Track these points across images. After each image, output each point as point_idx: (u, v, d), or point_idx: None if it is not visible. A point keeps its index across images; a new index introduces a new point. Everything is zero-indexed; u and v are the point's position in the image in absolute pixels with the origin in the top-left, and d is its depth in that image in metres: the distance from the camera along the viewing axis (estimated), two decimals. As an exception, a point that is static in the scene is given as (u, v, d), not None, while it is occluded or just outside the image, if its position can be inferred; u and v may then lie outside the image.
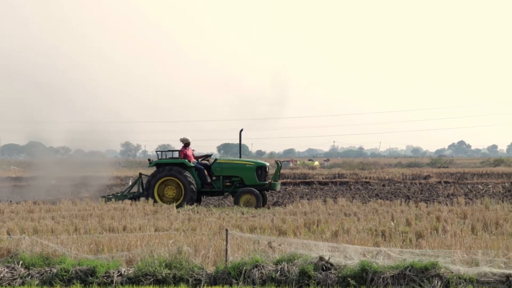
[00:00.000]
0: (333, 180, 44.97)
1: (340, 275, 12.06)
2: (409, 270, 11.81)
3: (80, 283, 12.65)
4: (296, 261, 12.42)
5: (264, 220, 20.05)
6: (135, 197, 28.38)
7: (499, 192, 33.78)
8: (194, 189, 27.25)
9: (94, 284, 12.61)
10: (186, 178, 27.21)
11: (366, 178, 46.56)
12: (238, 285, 12.15)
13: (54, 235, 17.15)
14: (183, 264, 12.70)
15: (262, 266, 12.41)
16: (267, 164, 28.94)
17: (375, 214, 21.33)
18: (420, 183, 42.14)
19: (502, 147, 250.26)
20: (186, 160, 27.74)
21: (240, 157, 29.88)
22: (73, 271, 12.82)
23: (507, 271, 11.62)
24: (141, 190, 28.72)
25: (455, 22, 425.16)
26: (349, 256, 12.75)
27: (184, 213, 23.34)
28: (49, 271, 12.91)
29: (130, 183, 30.86)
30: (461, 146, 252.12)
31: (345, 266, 12.22)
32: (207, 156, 29.40)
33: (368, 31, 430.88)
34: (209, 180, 28.26)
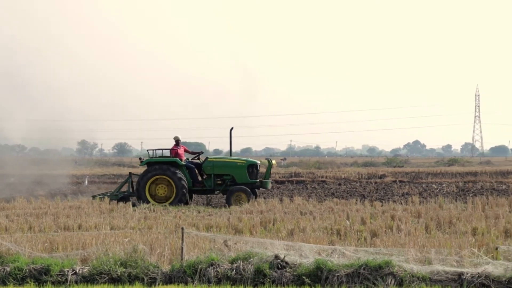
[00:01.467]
0: (290, 179, 45.14)
1: (295, 273, 12.12)
2: (363, 269, 11.91)
3: (34, 282, 12.54)
4: (251, 259, 12.46)
5: (220, 218, 20.06)
6: (125, 197, 28.13)
7: (453, 191, 34.19)
8: (186, 188, 27.04)
9: (48, 283, 12.52)
10: (178, 177, 27.01)
11: (322, 177, 46.81)
12: (193, 283, 12.15)
13: (8, 233, 16.99)
14: (138, 263, 12.66)
15: (218, 264, 12.42)
16: (259, 162, 28.89)
17: (330, 213, 21.46)
18: (375, 182, 42.47)
19: (457, 147, 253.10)
20: (178, 159, 27.58)
21: (230, 155, 29.71)
22: (27, 270, 12.70)
23: (459, 270, 11.78)
24: (131, 190, 28.51)
25: (410, 23, 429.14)
26: (304, 254, 12.81)
27: (140, 211, 23.27)
28: (2, 270, 12.78)
29: (119, 185, 30.44)
30: (416, 145, 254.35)
31: (300, 265, 12.28)
32: (198, 154, 29.28)
33: (325, 31, 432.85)
34: (200, 178, 28.10)
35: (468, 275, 11.56)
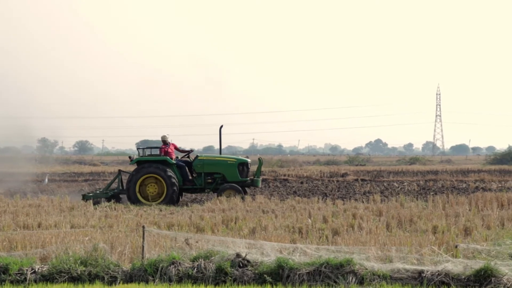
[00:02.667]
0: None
1: (256, 271, 12.11)
2: (325, 267, 11.93)
3: (-8, 281, 12.37)
4: (213, 258, 12.42)
5: (182, 217, 20.00)
6: (115, 195, 27.88)
7: (414, 190, 34.44)
8: (176, 187, 26.86)
9: (6, 281, 12.35)
10: (168, 175, 26.81)
11: (284, 175, 46.89)
12: (154, 282, 12.08)
13: (-35, 232, 16.75)
14: (98, 262, 12.55)
15: (179, 263, 12.36)
16: (249, 160, 28.78)
17: (292, 211, 21.50)
18: (337, 181, 42.65)
19: (418, 145, 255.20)
20: (168, 157, 27.41)
21: (220, 153, 29.55)
22: (-15, 269, 12.52)
23: (420, 268, 11.86)
24: (120, 188, 28.25)
25: (371, 22, 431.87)
26: (266, 253, 12.80)
27: (101, 210, 23.12)
28: (-41, 269, 12.58)
29: (110, 182, 30.10)
30: (378, 144, 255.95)
31: (262, 263, 12.27)
32: (189, 153, 29.09)
33: (287, 30, 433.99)
34: (190, 177, 27.89)
35: (428, 273, 11.64)
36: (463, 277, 11.54)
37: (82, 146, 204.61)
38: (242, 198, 26.10)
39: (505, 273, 11.36)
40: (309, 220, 18.90)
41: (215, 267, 12.20)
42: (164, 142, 27.97)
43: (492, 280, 11.29)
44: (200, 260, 12.39)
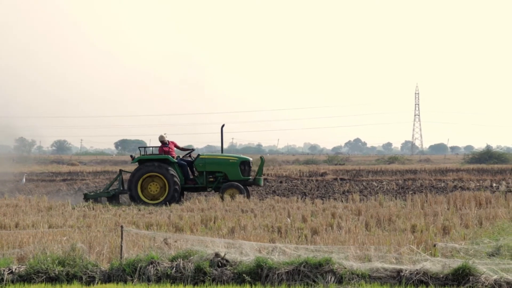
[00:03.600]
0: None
1: (235, 271, 12.08)
2: (304, 266, 11.92)
3: (-31, 282, 12.26)
4: (192, 257, 12.37)
5: (160, 216, 19.94)
6: (115, 194, 27.78)
7: (393, 189, 34.57)
8: (178, 185, 26.81)
9: (-17, 282, 12.25)
10: (170, 174, 26.74)
11: (263, 174, 46.87)
12: (132, 282, 12.02)
13: None
14: (76, 262, 12.47)
15: (158, 263, 12.31)
16: (251, 159, 28.73)
17: (271, 210, 21.50)
18: (316, 180, 42.71)
19: (397, 145, 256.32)
20: (170, 156, 27.35)
21: (222, 152, 29.50)
22: (-39, 270, 12.40)
23: (398, 267, 11.88)
24: (121, 187, 28.19)
25: (350, 21, 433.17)
26: (245, 252, 12.78)
27: (80, 209, 23.02)
28: None
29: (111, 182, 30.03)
30: (357, 143, 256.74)
31: (241, 263, 12.24)
32: (190, 152, 29.00)
33: (266, 29, 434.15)
34: (191, 176, 27.84)
35: (407, 271, 11.67)
36: (441, 275, 11.58)
37: (60, 146, 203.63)
38: (246, 196, 26.26)
39: (483, 271, 11.41)
40: (288, 219, 18.90)
41: (194, 267, 12.16)
42: (162, 142, 27.92)
43: (470, 279, 11.34)
44: (179, 259, 12.34)
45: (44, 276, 12.23)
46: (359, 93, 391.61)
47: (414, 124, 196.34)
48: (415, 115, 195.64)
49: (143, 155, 27.76)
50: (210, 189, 27.82)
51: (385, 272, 11.81)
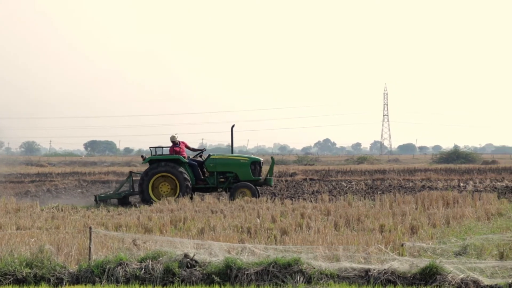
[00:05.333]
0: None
1: (204, 272, 12.08)
2: (273, 267, 11.95)
3: None
4: (161, 258, 12.36)
5: (130, 218, 19.88)
6: (126, 196, 27.73)
7: (362, 189, 34.73)
8: (189, 186, 26.81)
9: (-51, 285, 12.13)
10: (182, 174, 26.72)
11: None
12: (101, 283, 11.97)
13: None
14: (44, 263, 12.40)
15: (126, 264, 12.27)
16: (261, 159, 28.68)
17: (241, 211, 21.51)
18: (286, 180, 42.77)
19: (366, 145, 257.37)
20: (181, 156, 27.29)
21: (232, 152, 29.43)
22: None
23: (366, 266, 11.95)
24: (131, 189, 28.17)
25: (320, 21, 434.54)
26: (214, 253, 12.78)
27: (48, 211, 22.88)
28: None
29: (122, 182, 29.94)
30: (326, 144, 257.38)
31: (210, 263, 12.25)
32: (201, 152, 28.91)
33: (236, 30, 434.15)
34: (202, 176, 27.78)
35: (375, 271, 11.74)
36: (409, 275, 11.67)
37: (29, 147, 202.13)
38: (256, 196, 26.31)
39: (449, 270, 11.52)
40: (258, 220, 18.94)
41: (163, 268, 12.14)
42: (174, 142, 27.86)
43: (437, 278, 11.43)
44: (148, 261, 12.32)
45: (12, 278, 12.14)
46: (328, 94, 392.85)
47: (383, 125, 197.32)
48: (383, 115, 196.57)
49: (154, 155, 27.72)
50: (221, 189, 27.93)
51: (353, 271, 11.87)
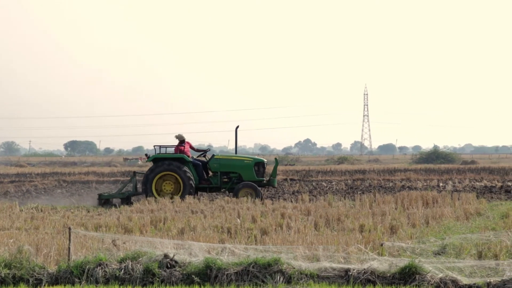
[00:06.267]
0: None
1: (184, 272, 12.07)
2: (253, 267, 11.95)
3: None
4: (140, 259, 12.32)
5: (110, 218, 19.81)
6: (129, 196, 27.69)
7: (342, 189, 34.83)
8: (193, 185, 26.83)
9: None
10: (186, 174, 26.75)
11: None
12: (80, 284, 11.93)
13: None
14: (23, 264, 12.33)
15: (106, 264, 12.23)
16: (265, 160, 28.68)
17: (221, 211, 21.50)
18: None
19: (346, 145, 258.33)
20: (185, 155, 27.23)
21: (236, 153, 29.43)
22: None
23: (346, 266, 11.98)
24: (135, 189, 28.20)
25: (299, 22, 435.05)
26: (194, 253, 12.77)
27: (27, 211, 22.76)
28: None
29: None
30: (307, 144, 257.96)
31: (190, 263, 12.23)
32: (205, 152, 28.83)
33: (216, 30, 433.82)
34: (206, 176, 27.78)
35: (355, 271, 11.77)
36: (388, 274, 11.71)
37: (9, 147, 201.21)
38: (260, 197, 26.31)
39: (428, 270, 11.57)
40: (238, 220, 18.94)
41: (143, 268, 12.11)
42: (181, 141, 27.82)
43: (417, 278, 11.48)
44: (128, 261, 12.29)
45: (-10, 279, 12.07)
46: (309, 94, 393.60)
47: (363, 125, 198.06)
48: (364, 115, 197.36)
49: (158, 154, 27.71)
50: (224, 189, 27.98)
51: (333, 271, 11.90)
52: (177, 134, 28.00)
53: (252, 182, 27.44)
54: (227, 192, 28.21)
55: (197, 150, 29.07)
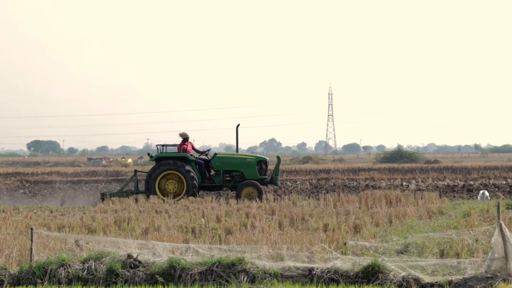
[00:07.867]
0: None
1: (148, 272, 12.03)
2: (217, 266, 11.95)
3: None
4: (104, 259, 12.25)
5: (73, 218, 19.68)
6: (131, 194, 27.50)
7: (307, 188, 34.97)
8: (196, 184, 26.64)
9: None
10: (189, 173, 26.59)
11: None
12: (43, 285, 11.84)
13: None
14: (-16, 265, 12.21)
15: (69, 265, 12.15)
16: (268, 158, 28.56)
17: (186, 211, 21.47)
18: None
19: (311, 144, 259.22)
20: (188, 154, 27.07)
21: (237, 152, 29.27)
22: None
23: (310, 265, 12.02)
24: (136, 188, 28.05)
25: (265, 22, 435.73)
26: (158, 253, 12.73)
27: (-11, 212, 22.52)
28: None
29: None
30: (272, 143, 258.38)
31: (154, 263, 12.20)
32: (206, 152, 28.70)
33: (181, 29, 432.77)
34: (208, 175, 27.64)
35: (318, 270, 11.81)
36: (351, 273, 11.76)
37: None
38: (261, 195, 26.29)
39: (391, 269, 11.65)
40: (203, 220, 18.92)
41: (106, 269, 12.05)
42: (185, 139, 27.65)
43: (379, 276, 11.55)
44: (91, 261, 12.21)
45: (-49, 281, 11.93)
46: (273, 94, 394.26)
47: (327, 124, 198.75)
48: (328, 115, 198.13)
49: (161, 153, 27.60)
50: (227, 188, 27.97)
51: (297, 271, 11.93)
52: (181, 132, 27.91)
53: (255, 180, 27.43)
54: (229, 190, 28.33)
55: (198, 151, 29.03)
